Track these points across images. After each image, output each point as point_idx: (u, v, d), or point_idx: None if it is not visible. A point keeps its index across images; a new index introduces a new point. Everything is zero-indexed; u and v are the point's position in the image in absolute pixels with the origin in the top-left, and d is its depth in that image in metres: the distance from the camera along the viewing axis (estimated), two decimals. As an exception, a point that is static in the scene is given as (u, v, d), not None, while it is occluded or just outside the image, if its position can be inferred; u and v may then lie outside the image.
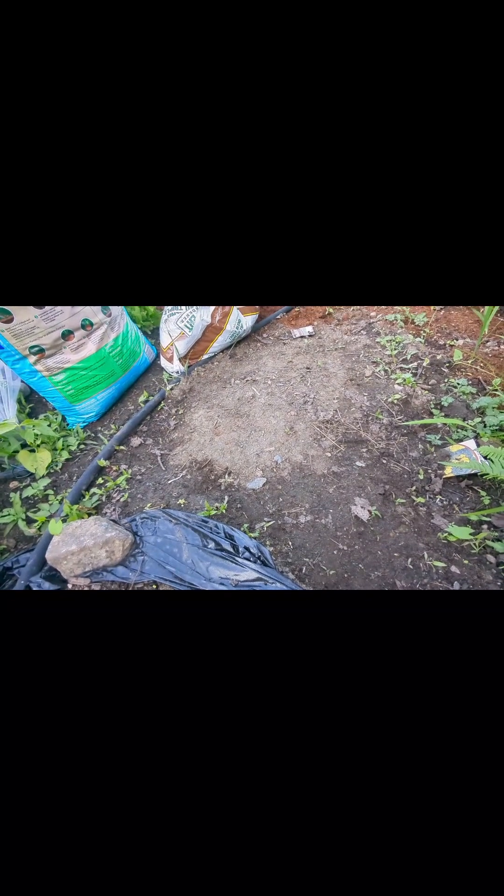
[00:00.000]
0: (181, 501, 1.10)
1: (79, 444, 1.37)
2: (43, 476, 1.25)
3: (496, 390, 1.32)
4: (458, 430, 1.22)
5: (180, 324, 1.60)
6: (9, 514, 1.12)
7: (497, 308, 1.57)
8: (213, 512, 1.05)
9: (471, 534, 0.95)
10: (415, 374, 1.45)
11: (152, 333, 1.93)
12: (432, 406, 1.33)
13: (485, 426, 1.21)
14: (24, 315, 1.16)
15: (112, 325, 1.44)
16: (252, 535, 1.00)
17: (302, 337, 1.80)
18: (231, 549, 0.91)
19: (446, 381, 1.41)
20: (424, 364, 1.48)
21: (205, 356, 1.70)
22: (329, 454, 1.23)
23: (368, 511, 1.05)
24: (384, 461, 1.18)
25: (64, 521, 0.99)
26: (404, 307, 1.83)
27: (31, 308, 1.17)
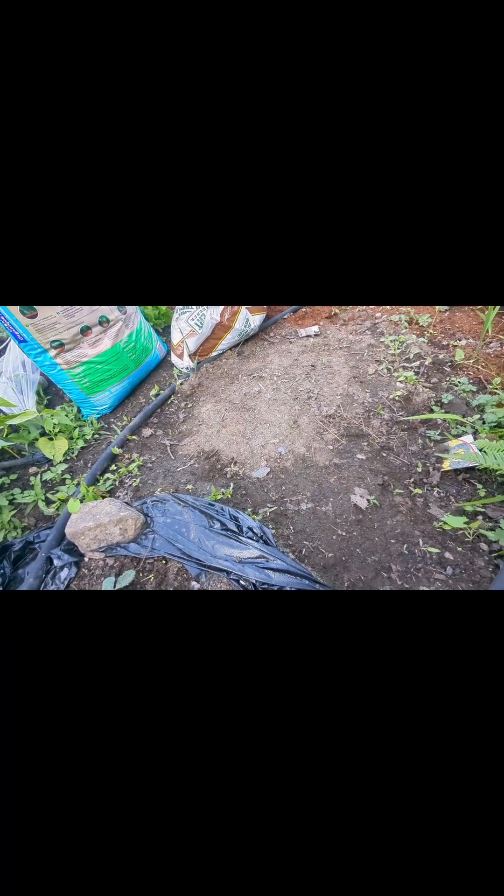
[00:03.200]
0: (189, 487, 1.16)
1: (93, 434, 1.45)
2: (60, 462, 1.33)
3: (496, 389, 1.35)
4: (457, 426, 1.26)
5: (191, 322, 1.68)
6: (30, 496, 1.20)
7: (499, 309, 1.61)
8: (220, 496, 1.11)
9: (465, 523, 0.99)
10: (417, 373, 1.50)
11: (163, 331, 2.01)
12: (433, 403, 1.37)
13: (483, 422, 1.24)
14: (48, 311, 1.25)
15: (127, 322, 1.53)
16: (256, 518, 1.05)
17: (308, 336, 1.86)
18: (235, 529, 0.97)
19: (448, 379, 1.45)
20: (427, 363, 1.53)
21: (213, 353, 1.77)
22: (331, 447, 1.28)
23: (367, 500, 1.09)
24: (384, 454, 1.23)
25: (81, 501, 1.07)
26: (409, 308, 1.88)
27: (54, 305, 1.25)
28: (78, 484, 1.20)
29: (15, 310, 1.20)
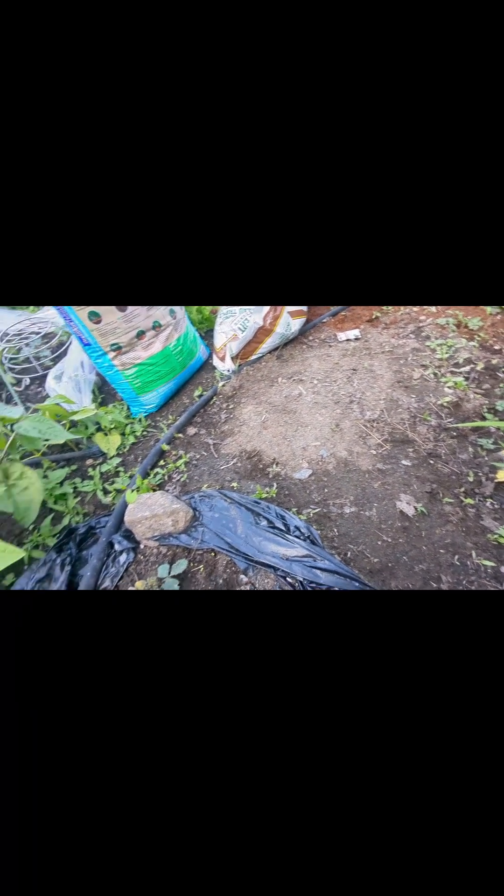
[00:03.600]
0: (234, 485, 1.21)
1: (142, 431, 1.55)
2: (114, 456, 1.44)
3: None
4: (514, 434, 1.19)
5: (234, 326, 1.74)
6: (90, 485, 1.31)
7: None
8: (265, 495, 1.15)
9: (524, 537, 0.94)
10: (467, 378, 1.44)
11: (205, 335, 2.10)
12: (485, 410, 1.31)
13: (544, 432, 1.17)
14: (110, 317, 1.37)
15: (177, 326, 1.62)
16: (301, 517, 1.07)
17: (348, 340, 1.85)
18: (282, 528, 1.00)
19: (502, 385, 1.38)
20: (478, 368, 1.46)
21: (253, 356, 1.82)
22: (374, 452, 1.27)
23: (414, 507, 1.07)
24: (431, 461, 1.20)
25: (136, 492, 1.15)
26: (457, 311, 1.80)
27: (115, 310, 1.37)
28: (132, 476, 1.30)
29: (83, 315, 1.32)
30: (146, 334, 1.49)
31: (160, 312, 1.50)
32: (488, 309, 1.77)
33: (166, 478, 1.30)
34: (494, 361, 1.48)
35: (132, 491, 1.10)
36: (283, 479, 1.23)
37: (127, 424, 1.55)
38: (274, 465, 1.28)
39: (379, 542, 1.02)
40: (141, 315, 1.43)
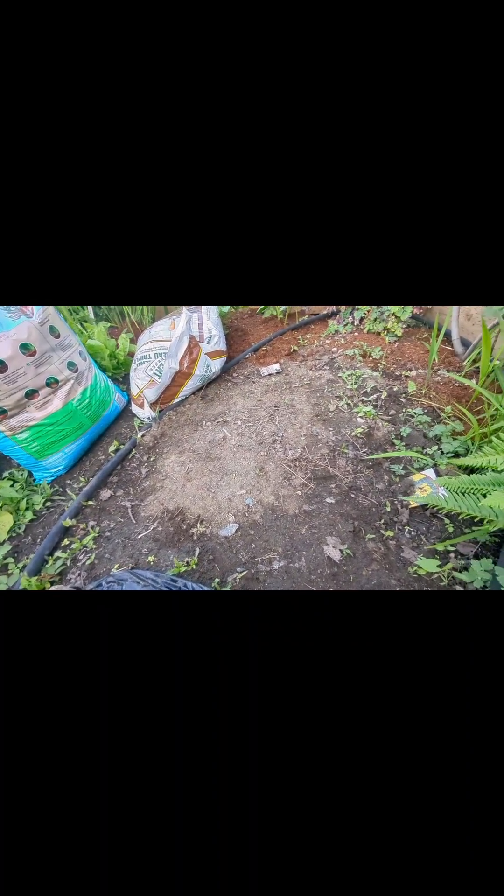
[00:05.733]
0: (150, 559, 1.07)
1: (44, 502, 1.33)
2: (4, 541, 1.19)
3: (448, 419, 1.41)
4: (419, 459, 1.28)
5: (149, 372, 1.65)
6: (-36, 590, 1.04)
7: (442, 338, 1.73)
8: (184, 568, 1.02)
9: (438, 566, 0.97)
10: (375, 406, 1.54)
11: (123, 380, 1.97)
12: (393, 437, 1.40)
13: (441, 453, 1.28)
14: (-14, 379, 1.17)
15: (80, 378, 1.47)
16: (224, 588, 0.97)
17: (270, 375, 1.89)
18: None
19: (404, 411, 1.50)
20: (383, 396, 1.58)
21: (176, 399, 1.74)
22: (300, 492, 1.25)
23: (340, 550, 1.05)
24: (352, 495, 1.21)
25: (24, 593, 0.93)
26: (361, 342, 1.98)
27: (-7, 372, 1.18)
28: (24, 568, 1.06)
29: None
30: (39, 393, 1.31)
31: (55, 368, 1.34)
32: (386, 338, 1.98)
33: (69, 562, 1.10)
34: (395, 388, 1.63)
35: (16, 595, 0.89)
36: (208, 539, 1.12)
37: (23, 498, 1.31)
38: (198, 525, 1.17)
39: (310, 598, 0.97)
40: (28, 374, 1.26)
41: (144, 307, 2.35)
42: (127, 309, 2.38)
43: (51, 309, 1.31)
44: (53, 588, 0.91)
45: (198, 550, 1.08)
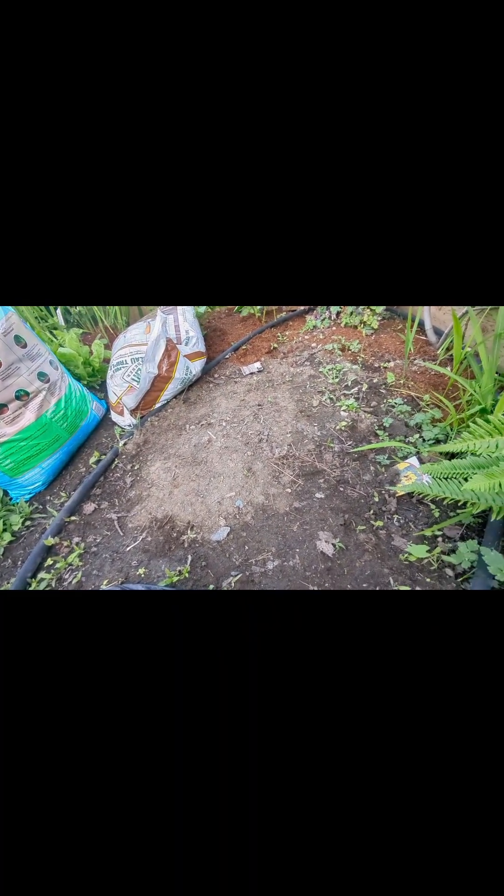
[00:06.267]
0: (141, 571, 1.03)
1: (23, 521, 1.26)
2: (-18, 567, 1.12)
3: (426, 406, 1.45)
4: (402, 447, 1.31)
5: (127, 378, 1.60)
6: None
7: (416, 328, 1.77)
8: (176, 578, 1.00)
9: (427, 551, 0.99)
10: (357, 399, 1.56)
11: (100, 387, 1.89)
12: (376, 428, 1.42)
13: (423, 441, 1.31)
14: None
15: (52, 389, 1.40)
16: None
17: (251, 373, 1.88)
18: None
19: (385, 401, 1.53)
20: (364, 388, 1.60)
21: (157, 405, 1.69)
22: (289, 490, 1.24)
23: (333, 545, 1.06)
24: (341, 488, 1.22)
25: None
26: (340, 336, 2.00)
27: (-46, 388, 1.10)
28: (5, 594, 1.00)
29: None
30: (8, 407, 1.24)
31: (24, 380, 1.27)
32: (363, 331, 2.01)
33: (54, 583, 1.04)
34: (375, 380, 1.65)
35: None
36: (199, 546, 1.10)
37: None
38: (189, 531, 1.15)
39: (306, 595, 0.96)
40: (-6, 387, 1.19)
41: (118, 310, 2.27)
42: (99, 313, 2.30)
43: (14, 317, 1.23)
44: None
45: (190, 558, 1.06)
